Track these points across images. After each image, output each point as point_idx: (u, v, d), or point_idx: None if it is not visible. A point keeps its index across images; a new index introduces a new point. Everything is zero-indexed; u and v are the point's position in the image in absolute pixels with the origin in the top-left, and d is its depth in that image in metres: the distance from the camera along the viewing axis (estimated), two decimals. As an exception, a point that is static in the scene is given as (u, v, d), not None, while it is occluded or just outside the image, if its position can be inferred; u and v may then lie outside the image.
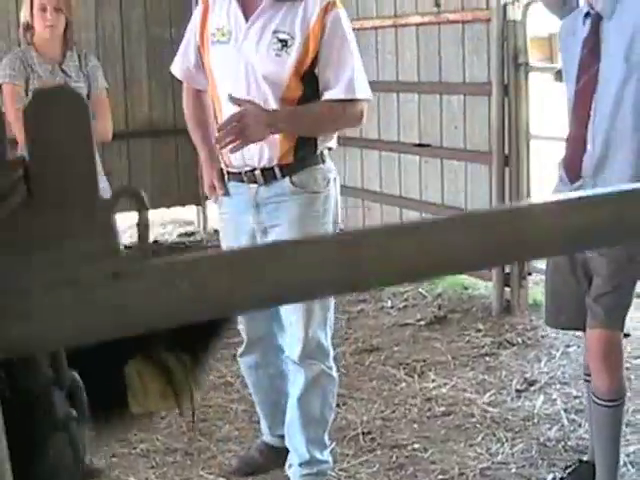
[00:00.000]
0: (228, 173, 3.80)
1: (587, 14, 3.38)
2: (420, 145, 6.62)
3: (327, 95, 3.66)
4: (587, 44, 3.30)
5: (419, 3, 6.50)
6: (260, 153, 3.68)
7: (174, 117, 8.78)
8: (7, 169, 0.82)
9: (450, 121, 6.36)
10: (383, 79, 6.84)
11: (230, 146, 3.56)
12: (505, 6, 5.70)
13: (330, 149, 3.83)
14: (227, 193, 3.84)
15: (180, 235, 9.09)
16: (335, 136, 3.88)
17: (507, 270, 5.99)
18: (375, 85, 6.78)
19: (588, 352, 3.61)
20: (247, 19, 3.66)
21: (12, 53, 5.00)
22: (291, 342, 3.83)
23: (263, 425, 4.28)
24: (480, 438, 4.36)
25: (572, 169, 3.38)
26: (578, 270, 3.48)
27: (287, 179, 3.68)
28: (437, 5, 6.31)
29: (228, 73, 3.70)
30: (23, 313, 0.74)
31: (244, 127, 3.52)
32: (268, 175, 3.68)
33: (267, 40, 3.62)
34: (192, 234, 8.96)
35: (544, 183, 5.80)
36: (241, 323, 4.01)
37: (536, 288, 6.01)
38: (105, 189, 4.86)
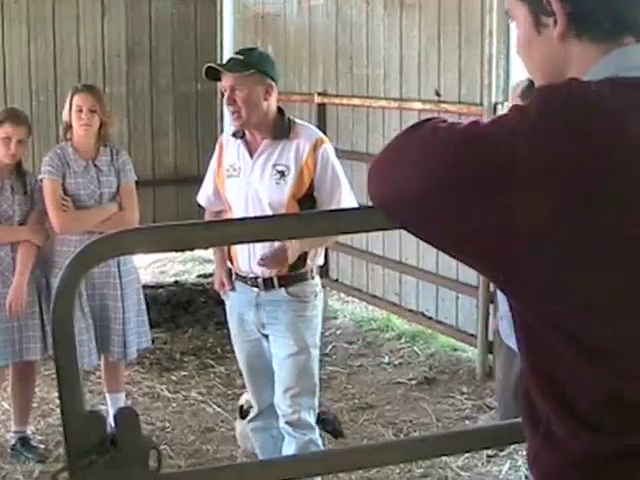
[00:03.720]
0: (236, 274, 4.58)
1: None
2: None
3: None
4: None
5: (422, 90, 7.19)
6: None
7: (197, 166, 9.51)
8: (104, 429, 1.50)
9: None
10: (388, 154, 7.51)
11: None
12: (495, 105, 6.38)
13: (320, 267, 4.65)
14: (233, 289, 4.62)
15: (199, 276, 9.76)
16: (322, 255, 4.68)
17: (491, 338, 6.65)
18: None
19: None
20: (252, 156, 4.43)
21: (52, 150, 5.63)
22: (284, 417, 4.54)
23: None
24: (451, 500, 5.04)
25: None
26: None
27: (283, 289, 4.47)
28: (437, 94, 7.00)
29: (240, 200, 4.49)
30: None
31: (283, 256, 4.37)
32: (268, 284, 4.48)
33: (268, 172, 4.41)
34: (210, 275, 9.57)
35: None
36: (252, 395, 4.77)
37: (516, 356, 6.68)
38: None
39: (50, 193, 5.46)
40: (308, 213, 1.29)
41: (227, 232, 1.39)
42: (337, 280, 8.44)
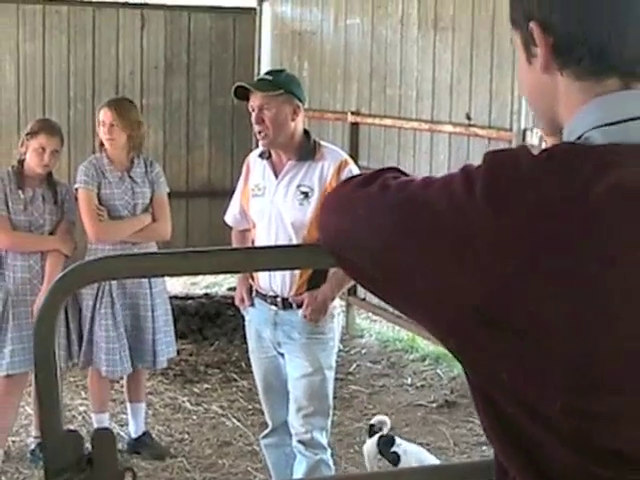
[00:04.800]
0: (256, 291, 4.61)
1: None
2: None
3: None
4: None
5: (453, 113, 7.21)
6: (282, 284, 4.50)
7: (231, 179, 9.58)
8: (81, 449, 1.54)
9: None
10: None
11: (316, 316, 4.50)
12: (525, 131, 6.38)
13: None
14: (252, 304, 4.67)
15: (230, 289, 9.81)
16: None
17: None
18: (410, 180, 7.55)
19: None
20: (277, 176, 4.47)
21: (88, 160, 5.73)
22: (296, 436, 4.57)
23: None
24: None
25: None
26: None
27: (301, 310, 4.50)
28: (468, 118, 7.01)
29: (264, 219, 4.52)
30: None
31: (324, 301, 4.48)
32: (286, 304, 4.52)
33: (292, 193, 4.44)
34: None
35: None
36: (266, 411, 4.81)
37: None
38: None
39: (86, 203, 5.54)
40: (283, 247, 1.35)
41: (204, 262, 1.42)
42: (364, 299, 8.45)
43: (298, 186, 4.46)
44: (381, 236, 1.37)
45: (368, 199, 1.42)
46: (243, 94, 4.49)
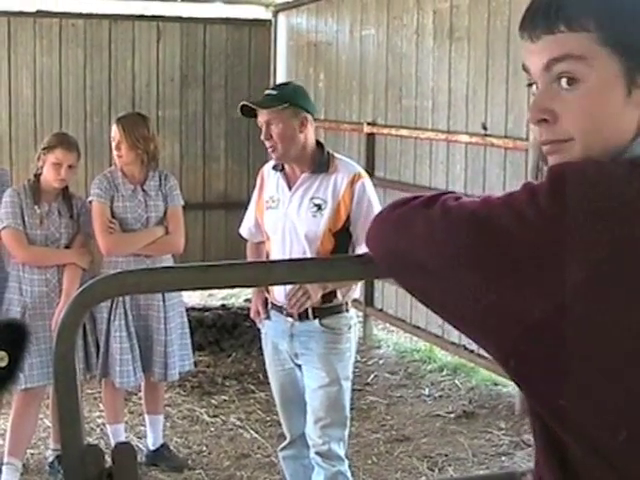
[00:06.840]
0: (272, 304, 4.61)
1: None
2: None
3: (358, 250, 4.45)
4: None
5: (469, 124, 7.20)
6: None
7: (247, 191, 9.58)
8: (101, 463, 1.54)
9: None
10: (435, 186, 7.53)
11: (299, 306, 4.41)
12: (541, 140, 6.35)
13: (355, 300, 4.61)
14: (268, 317, 4.67)
15: (247, 300, 9.81)
16: (358, 289, 4.71)
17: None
18: (427, 190, 7.55)
19: None
20: (290, 188, 4.48)
21: (102, 174, 5.77)
22: (314, 447, 4.56)
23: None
24: (482, 537, 5.00)
25: None
26: None
27: (317, 320, 4.49)
28: (484, 128, 7.00)
29: (277, 231, 4.53)
30: None
31: (306, 292, 4.37)
32: (302, 315, 4.50)
33: (306, 205, 4.44)
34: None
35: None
36: (284, 423, 4.80)
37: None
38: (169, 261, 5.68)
39: (98, 215, 5.57)
40: (300, 261, 1.35)
41: (223, 276, 1.42)
42: (381, 310, 8.44)
43: (311, 198, 4.46)
44: (443, 255, 1.35)
45: (430, 219, 1.40)
46: (251, 111, 4.49)
